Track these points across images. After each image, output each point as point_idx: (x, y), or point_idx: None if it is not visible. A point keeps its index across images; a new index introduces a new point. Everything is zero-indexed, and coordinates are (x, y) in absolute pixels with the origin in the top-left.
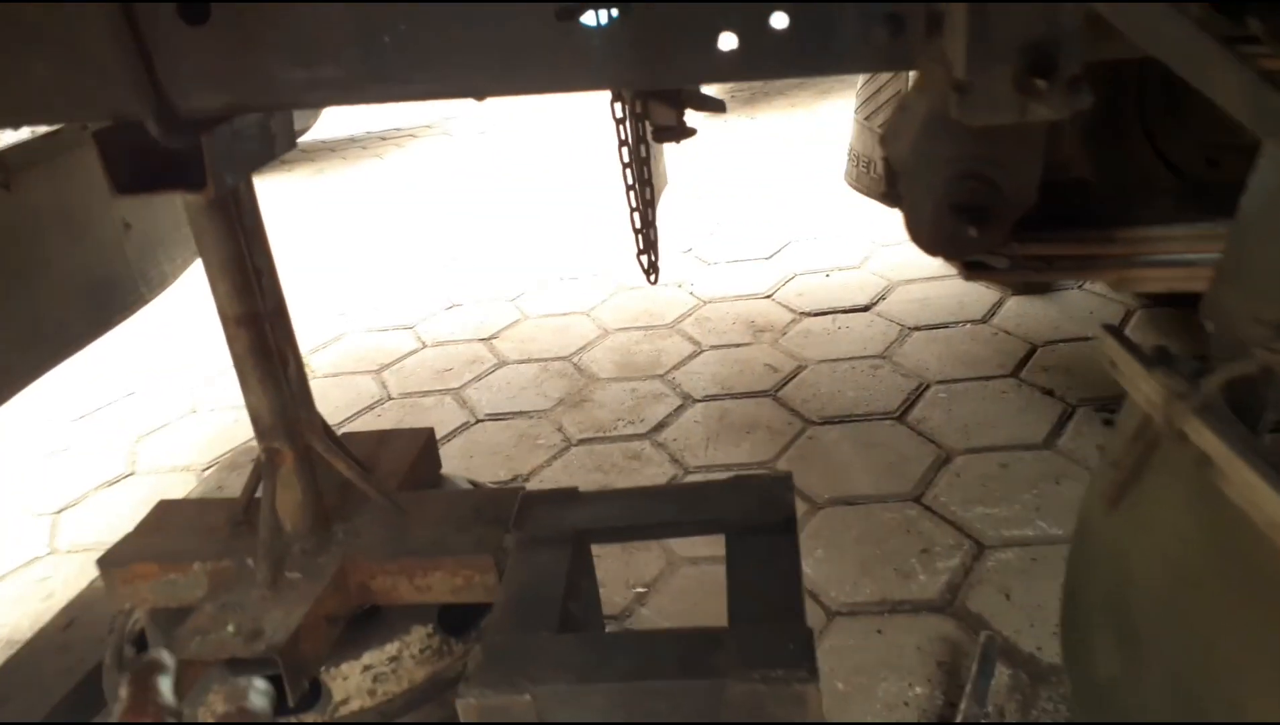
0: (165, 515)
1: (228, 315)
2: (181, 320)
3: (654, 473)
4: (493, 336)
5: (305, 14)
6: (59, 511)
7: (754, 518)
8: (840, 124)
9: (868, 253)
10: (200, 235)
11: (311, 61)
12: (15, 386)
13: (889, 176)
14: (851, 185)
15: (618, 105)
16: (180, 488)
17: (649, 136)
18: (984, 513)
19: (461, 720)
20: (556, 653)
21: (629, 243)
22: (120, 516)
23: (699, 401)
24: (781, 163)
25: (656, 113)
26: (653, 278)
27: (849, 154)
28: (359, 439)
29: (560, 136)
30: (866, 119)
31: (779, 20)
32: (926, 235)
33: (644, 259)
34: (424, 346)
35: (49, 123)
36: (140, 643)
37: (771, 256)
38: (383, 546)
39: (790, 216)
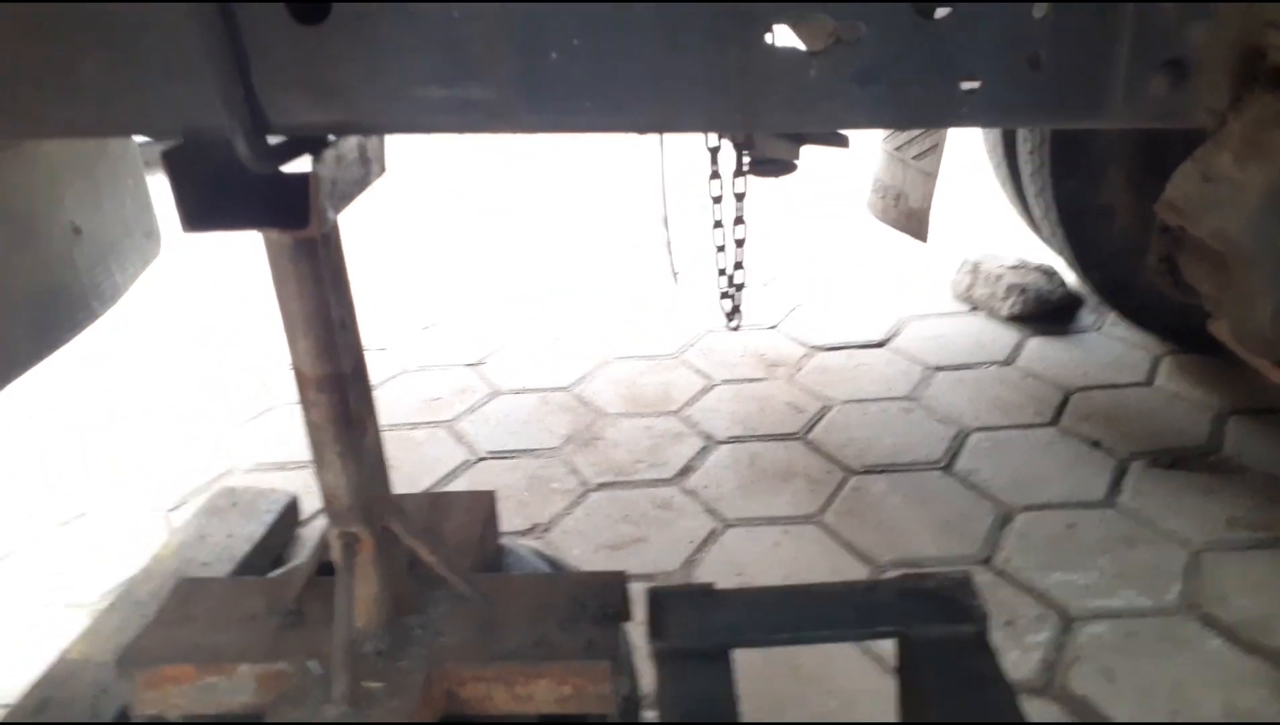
0: (191, 599)
1: (307, 377)
2: (113, 335)
3: (689, 525)
4: (479, 362)
5: (452, 16)
6: (3, 558)
7: (938, 629)
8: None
9: (872, 283)
10: (281, 282)
11: (454, 78)
12: None
13: (1166, 262)
14: (876, 216)
15: (713, 134)
16: (147, 530)
17: (745, 169)
18: (1062, 579)
19: None
20: None
21: (623, 260)
22: (76, 565)
23: (723, 443)
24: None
25: (771, 146)
26: (733, 323)
27: (874, 184)
28: (410, 504)
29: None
30: (898, 149)
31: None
32: (1266, 337)
33: (726, 303)
34: (403, 371)
35: (103, 135)
36: None
37: (768, 284)
38: (473, 648)
39: (784, 242)
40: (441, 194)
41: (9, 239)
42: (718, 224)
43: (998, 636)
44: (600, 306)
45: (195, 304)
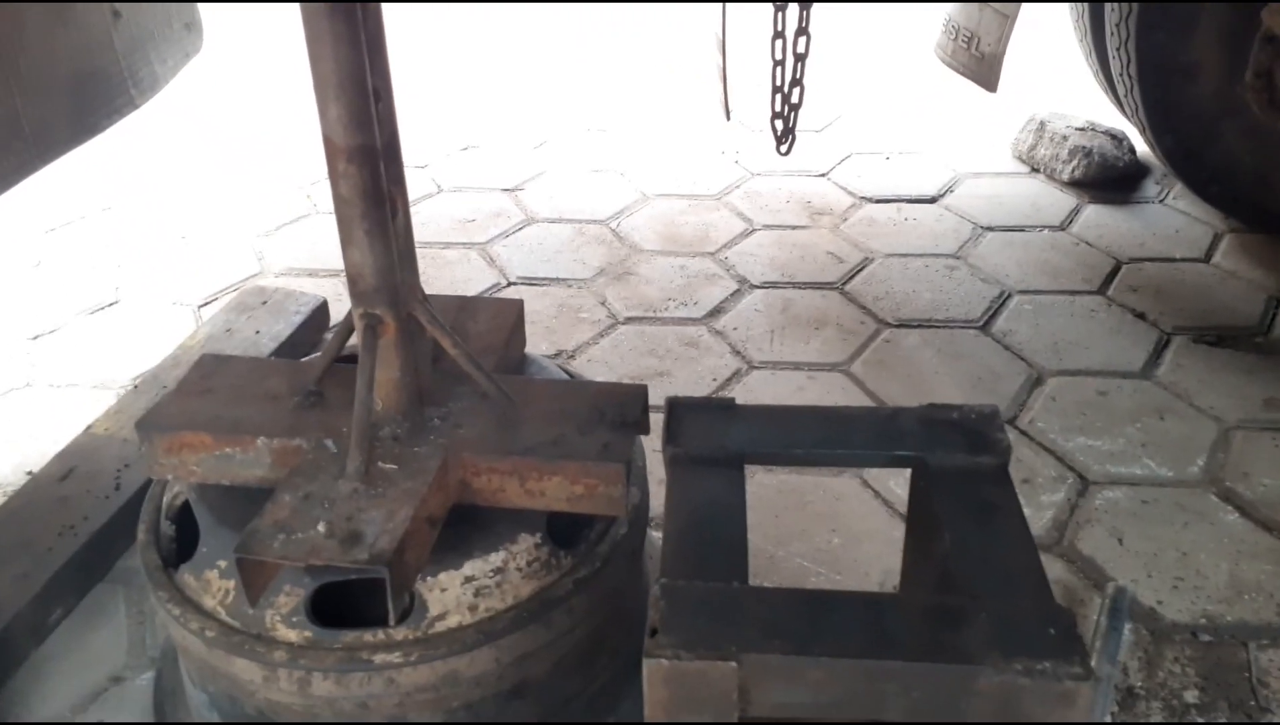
0: (212, 374)
1: (337, 147)
2: (161, 132)
3: (714, 364)
4: (517, 188)
5: None
6: (35, 338)
7: (959, 458)
8: None
9: (931, 137)
10: (316, 43)
11: None
12: None
13: (1265, 78)
14: (945, 60)
15: None
16: (175, 324)
17: None
18: (1086, 444)
19: (647, 685)
20: (761, 611)
21: (668, 94)
22: (106, 350)
23: (757, 287)
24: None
25: None
26: (784, 148)
27: (946, 25)
28: (438, 304)
29: None
30: None
31: None
32: None
33: (778, 124)
34: (440, 190)
35: None
36: (182, 520)
37: (823, 130)
38: (491, 441)
39: (844, 86)
40: (496, 17)
41: (47, 17)
42: (778, 34)
43: None
44: (646, 142)
45: (241, 107)
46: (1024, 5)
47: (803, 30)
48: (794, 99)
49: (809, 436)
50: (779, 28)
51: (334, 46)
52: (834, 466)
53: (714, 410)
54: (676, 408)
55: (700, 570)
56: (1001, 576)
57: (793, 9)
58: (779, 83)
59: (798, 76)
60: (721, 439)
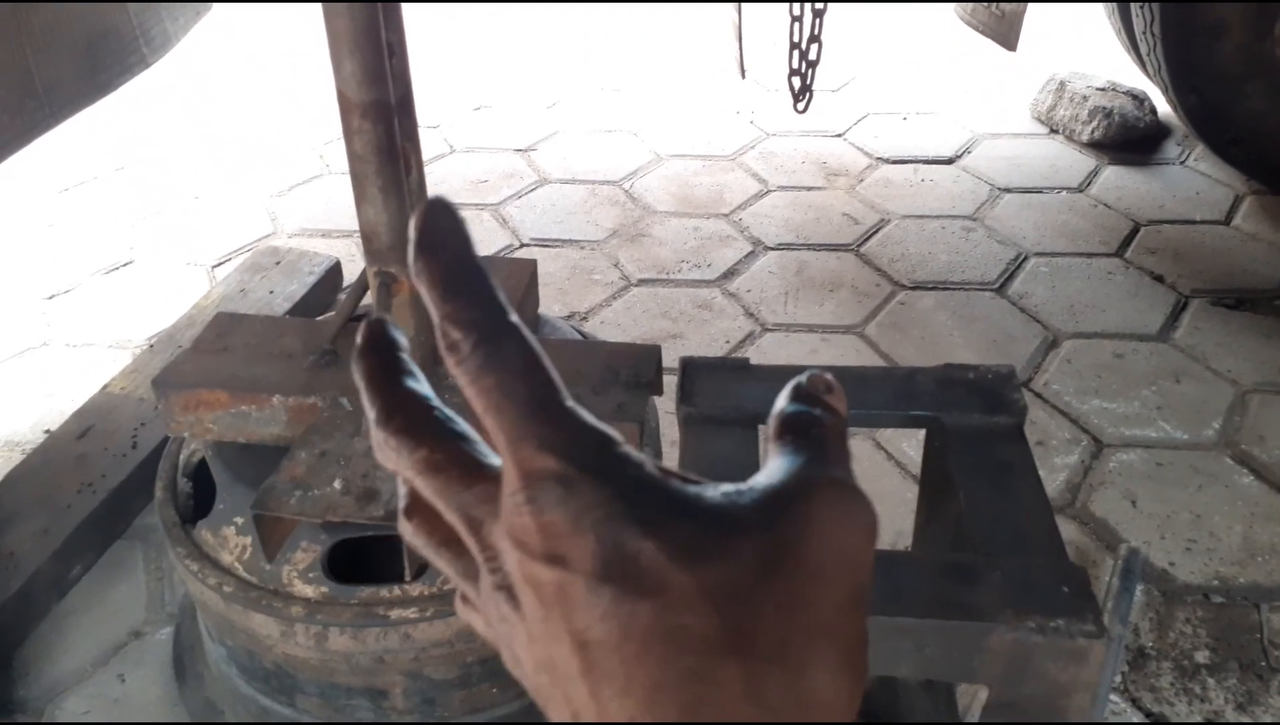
0: (228, 332)
1: (352, 103)
2: (174, 91)
3: (728, 326)
4: (529, 148)
5: None
6: (51, 297)
7: (975, 418)
8: None
9: (949, 97)
10: None
11: None
12: (3, 153)
13: None
14: (964, 19)
15: None
16: (189, 284)
17: None
18: (1101, 407)
19: None
20: None
21: (683, 52)
22: (121, 310)
23: (772, 249)
24: None
25: None
26: (801, 105)
27: None
28: None
29: None
30: None
31: None
32: None
33: (796, 80)
34: (452, 150)
35: None
36: (199, 477)
37: (839, 90)
38: None
39: (857, 45)
40: None
41: None
42: None
43: None
44: (660, 101)
45: (254, 65)
46: None
47: None
48: (812, 55)
49: None
50: None
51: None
52: (850, 426)
53: (728, 370)
54: (690, 367)
55: None
56: (1015, 535)
57: None
58: (796, 39)
59: (816, 33)
60: (736, 399)
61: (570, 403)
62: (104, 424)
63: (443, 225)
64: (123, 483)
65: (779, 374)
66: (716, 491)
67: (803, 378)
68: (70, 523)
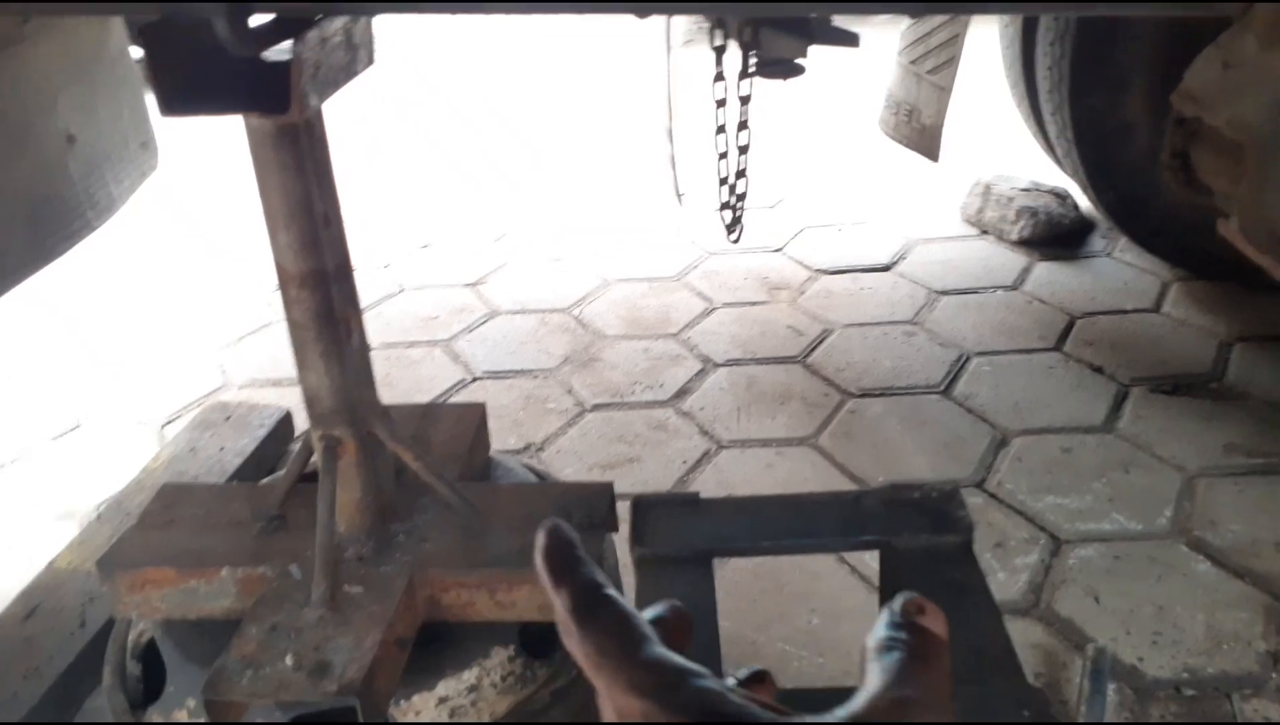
0: (174, 504)
1: (289, 273)
2: (118, 246)
3: (684, 446)
4: (479, 281)
5: None
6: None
7: (923, 539)
8: (863, 63)
9: (880, 206)
10: (263, 172)
11: None
12: None
13: (1180, 158)
14: (888, 133)
15: (718, 33)
16: (138, 444)
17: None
18: (1055, 503)
19: None
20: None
21: (626, 177)
22: (69, 476)
23: (721, 366)
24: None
25: (776, 44)
26: (734, 236)
27: (887, 99)
28: (399, 415)
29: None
30: (913, 62)
31: None
32: (1277, 234)
33: (726, 214)
34: (402, 290)
35: (78, 13)
36: (148, 657)
37: (775, 206)
38: (457, 554)
39: (792, 163)
40: (439, 101)
41: (2, 146)
42: (721, 129)
43: (986, 559)
44: (602, 227)
45: (199, 220)
46: (960, 75)
47: (743, 125)
48: (740, 189)
49: (775, 527)
50: (721, 123)
51: (280, 176)
52: (802, 554)
53: (679, 506)
54: (641, 506)
55: None
56: (972, 657)
57: (735, 105)
58: (724, 174)
59: (741, 168)
60: (688, 536)
61: (657, 649)
62: (50, 602)
63: (562, 551)
64: (71, 665)
65: (729, 506)
66: (798, 721)
67: (895, 603)
68: (14, 714)
